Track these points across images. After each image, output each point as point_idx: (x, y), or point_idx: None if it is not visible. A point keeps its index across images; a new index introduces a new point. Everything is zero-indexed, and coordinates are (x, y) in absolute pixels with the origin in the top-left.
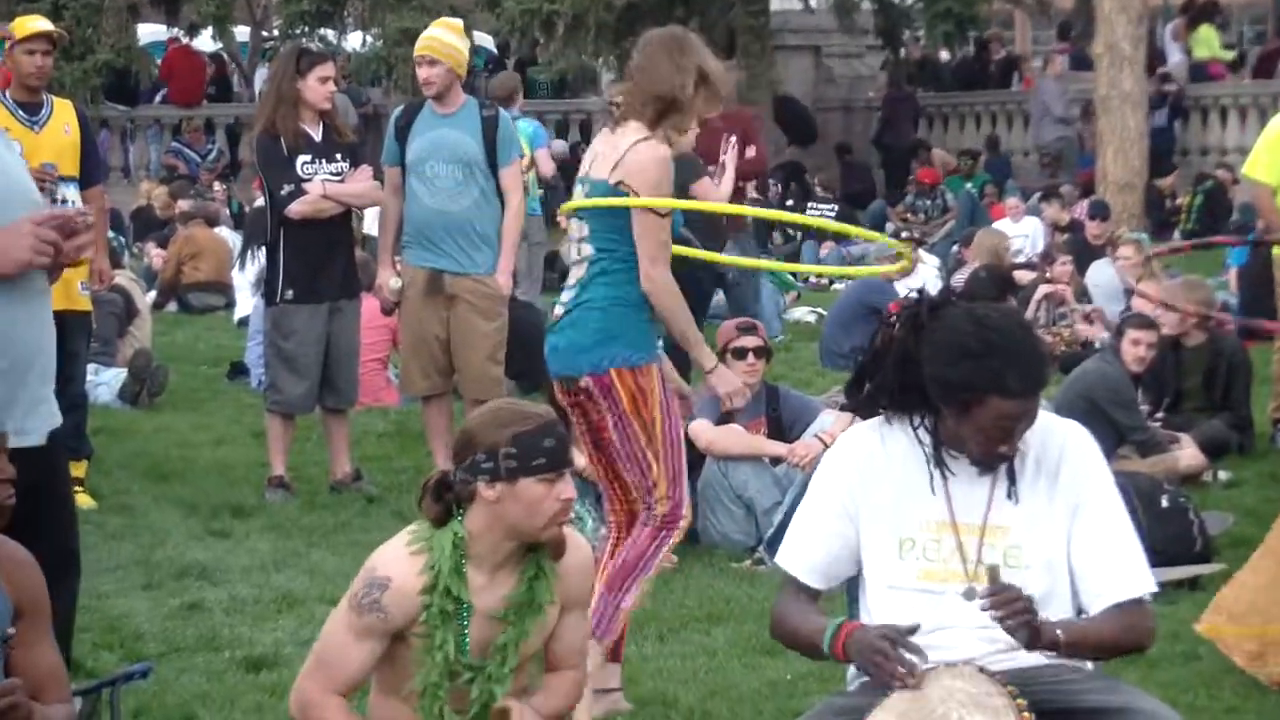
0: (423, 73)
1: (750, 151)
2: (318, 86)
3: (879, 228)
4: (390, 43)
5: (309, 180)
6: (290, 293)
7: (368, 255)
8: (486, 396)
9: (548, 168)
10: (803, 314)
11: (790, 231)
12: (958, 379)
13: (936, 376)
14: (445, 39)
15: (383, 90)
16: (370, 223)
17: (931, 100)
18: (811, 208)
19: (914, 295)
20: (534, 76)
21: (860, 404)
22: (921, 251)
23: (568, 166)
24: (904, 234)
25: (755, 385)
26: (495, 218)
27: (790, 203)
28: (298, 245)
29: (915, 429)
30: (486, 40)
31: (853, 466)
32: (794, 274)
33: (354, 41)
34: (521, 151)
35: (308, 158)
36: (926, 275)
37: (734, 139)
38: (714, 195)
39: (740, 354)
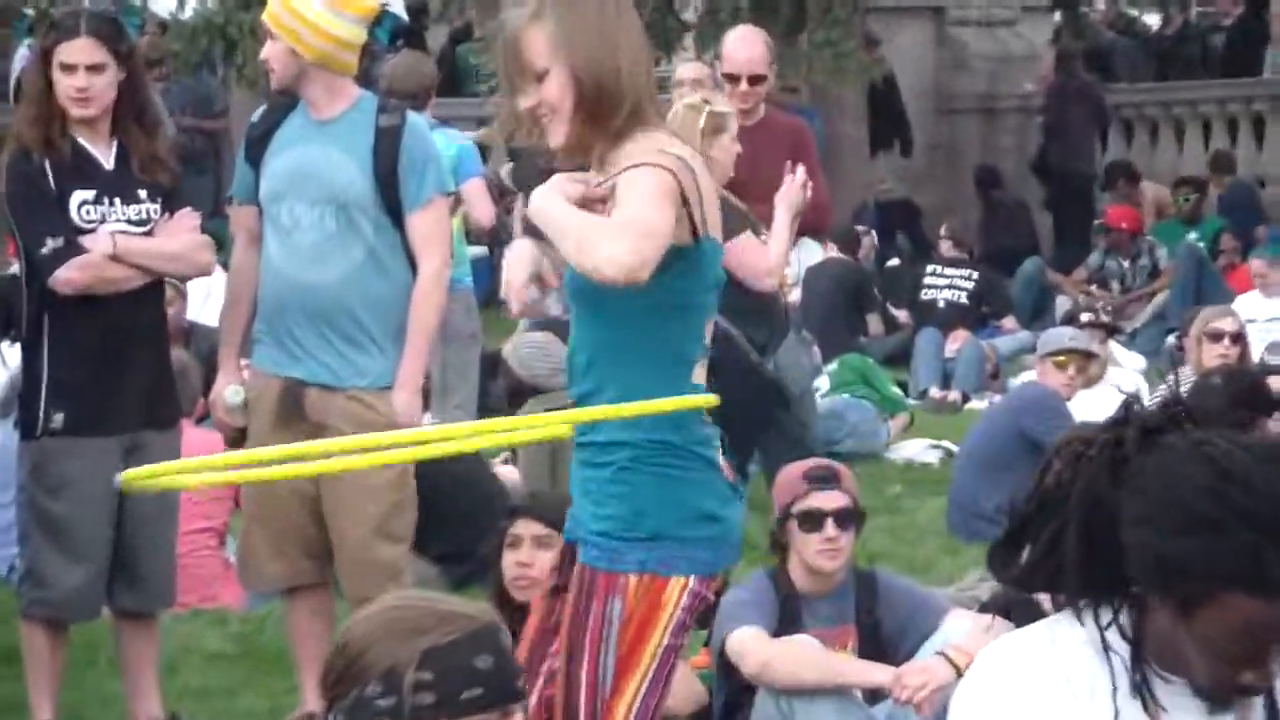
0: (263, 53)
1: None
2: (62, 82)
3: (1039, 308)
4: (232, 3)
5: (90, 231)
6: (59, 419)
7: (188, 357)
8: (375, 594)
9: (485, 211)
10: (918, 450)
11: (891, 314)
12: (1182, 559)
13: (1147, 550)
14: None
15: (219, 81)
16: (199, 303)
17: (1129, 97)
18: (932, 274)
19: (1113, 416)
20: (467, 59)
21: (1014, 583)
22: (1114, 345)
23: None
24: (1085, 316)
25: (837, 571)
26: (393, 296)
27: (892, 263)
28: (71, 339)
29: (1103, 630)
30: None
31: (1010, 709)
32: (903, 386)
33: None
34: (445, 185)
35: (88, 195)
36: (1123, 384)
37: (798, 169)
38: (758, 264)
39: (814, 521)
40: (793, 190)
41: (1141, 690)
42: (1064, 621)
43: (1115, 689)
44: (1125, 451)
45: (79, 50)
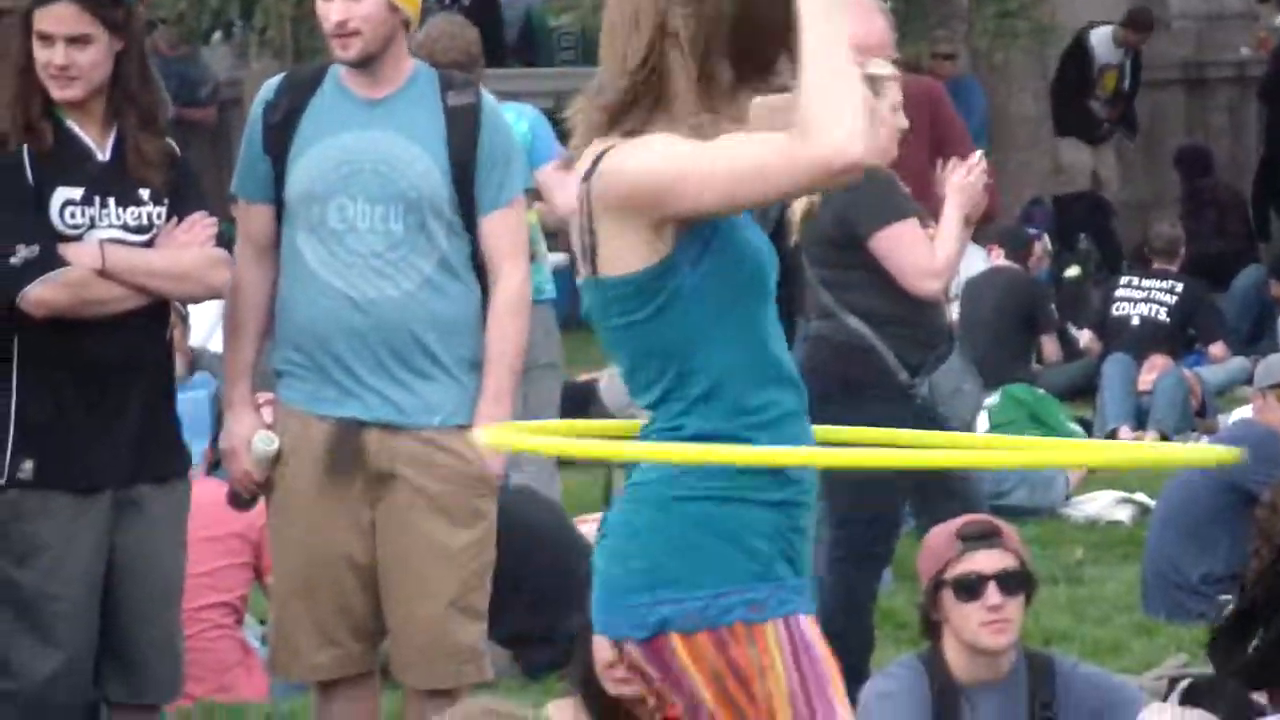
0: (330, 11)
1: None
2: (40, 55)
3: (1258, 329)
4: None
5: (75, 238)
6: (28, 467)
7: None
8: (450, 684)
9: (568, 198)
10: (1105, 505)
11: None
12: None
13: None
14: None
15: (234, 53)
16: (206, 327)
17: None
18: (1127, 286)
19: None
20: (544, 20)
21: (1241, 676)
22: None
23: None
24: None
25: (1005, 650)
26: (465, 315)
27: (1072, 274)
28: (45, 371)
29: None
30: None
31: None
32: (1085, 425)
33: None
34: (528, 180)
35: (74, 193)
36: None
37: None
38: (920, 262)
39: (972, 588)
40: (968, 176)
41: None
42: None
43: None
44: None
45: (58, 17)
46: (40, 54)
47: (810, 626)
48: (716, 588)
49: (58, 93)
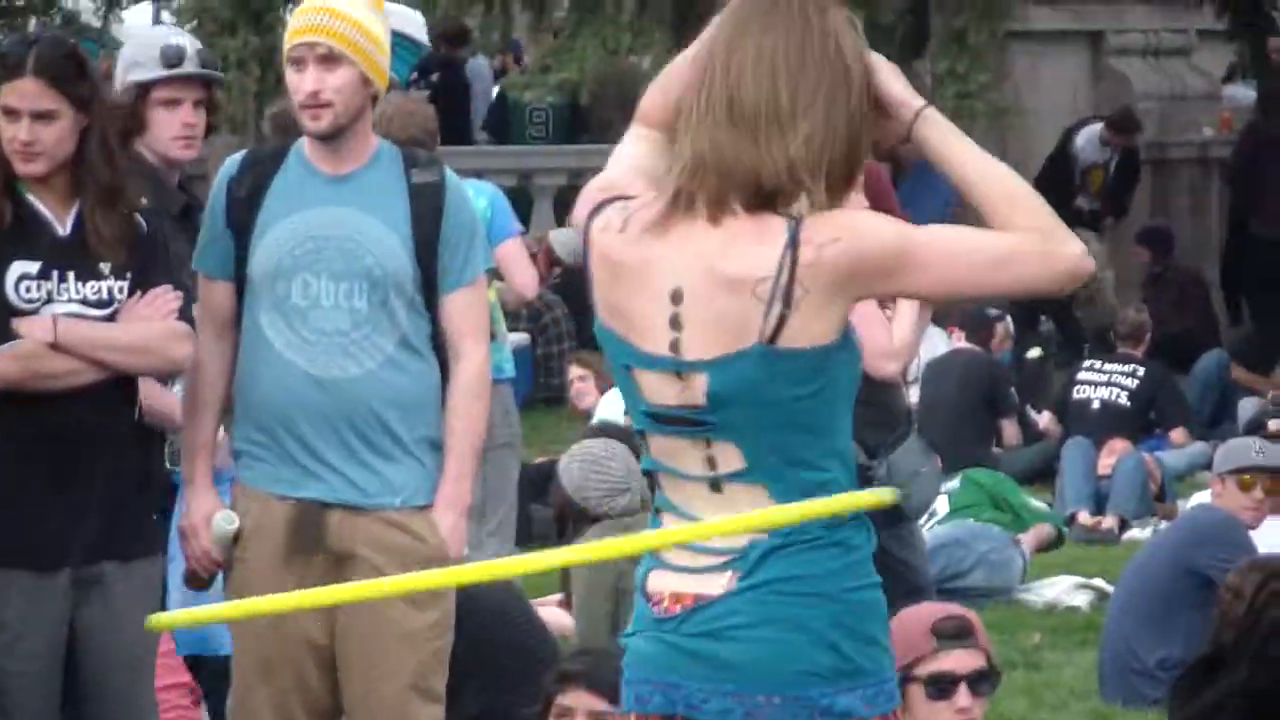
0: (303, 82)
1: None
2: (5, 130)
3: (1218, 414)
4: (211, 25)
5: (30, 312)
6: None
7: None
8: None
9: (527, 276)
10: (1064, 590)
11: (1031, 419)
12: None
13: None
14: (352, 11)
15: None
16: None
17: None
18: (1089, 369)
19: None
20: (511, 95)
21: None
22: None
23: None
24: (1275, 423)
25: None
26: (424, 394)
27: (1033, 355)
28: (3, 444)
29: None
30: (407, 19)
31: None
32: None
33: (134, 21)
34: (488, 260)
35: (31, 268)
36: None
37: None
38: (879, 342)
39: (944, 688)
40: None
41: None
42: None
43: None
44: None
45: (23, 93)
46: (4, 129)
47: None
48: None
49: (21, 168)
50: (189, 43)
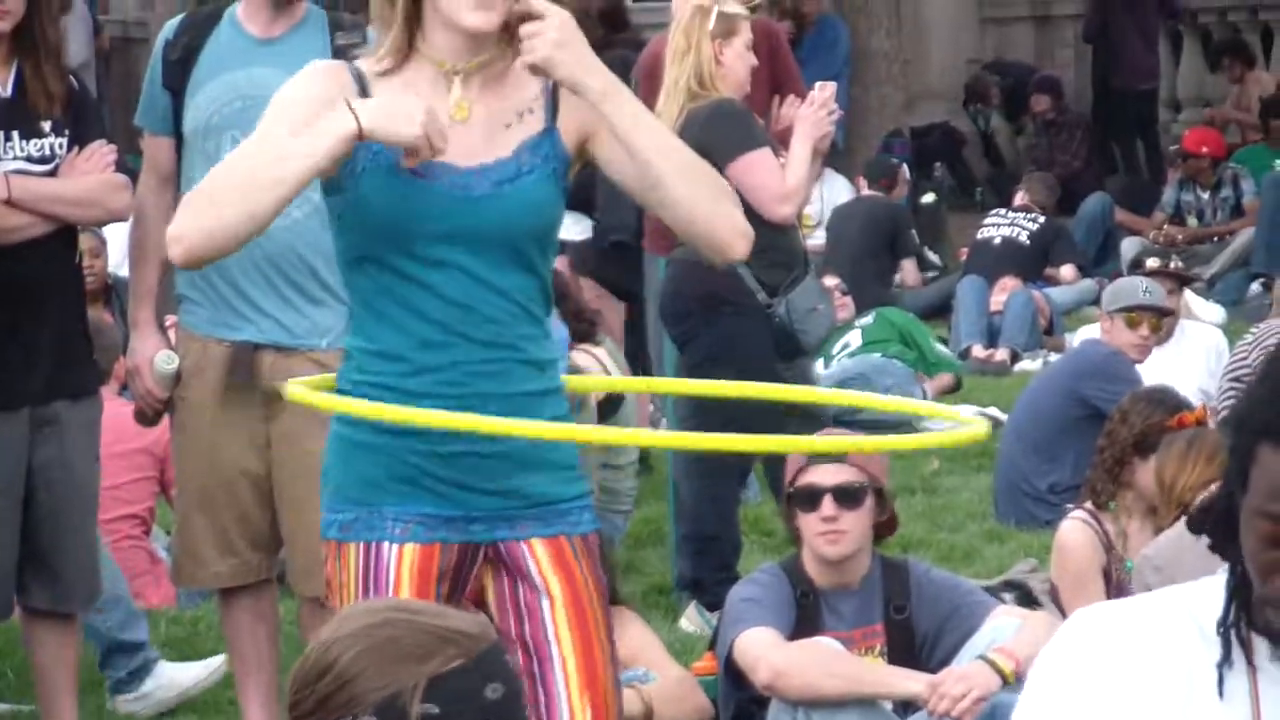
0: None
1: (786, 108)
2: None
3: (1103, 252)
4: None
5: None
6: None
7: (103, 316)
8: None
9: None
10: (951, 425)
11: (932, 259)
12: (1237, 413)
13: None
14: None
15: None
16: (120, 253)
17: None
18: (995, 215)
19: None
20: None
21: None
22: (1190, 294)
23: None
24: (1151, 261)
25: (840, 559)
26: None
27: (928, 200)
28: None
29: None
30: None
31: (1088, 681)
32: (943, 340)
33: None
34: None
35: None
36: (1199, 347)
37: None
38: (771, 187)
39: (810, 499)
40: (814, 108)
41: (1240, 643)
42: (1165, 595)
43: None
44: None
45: None
46: None
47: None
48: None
49: None
50: None
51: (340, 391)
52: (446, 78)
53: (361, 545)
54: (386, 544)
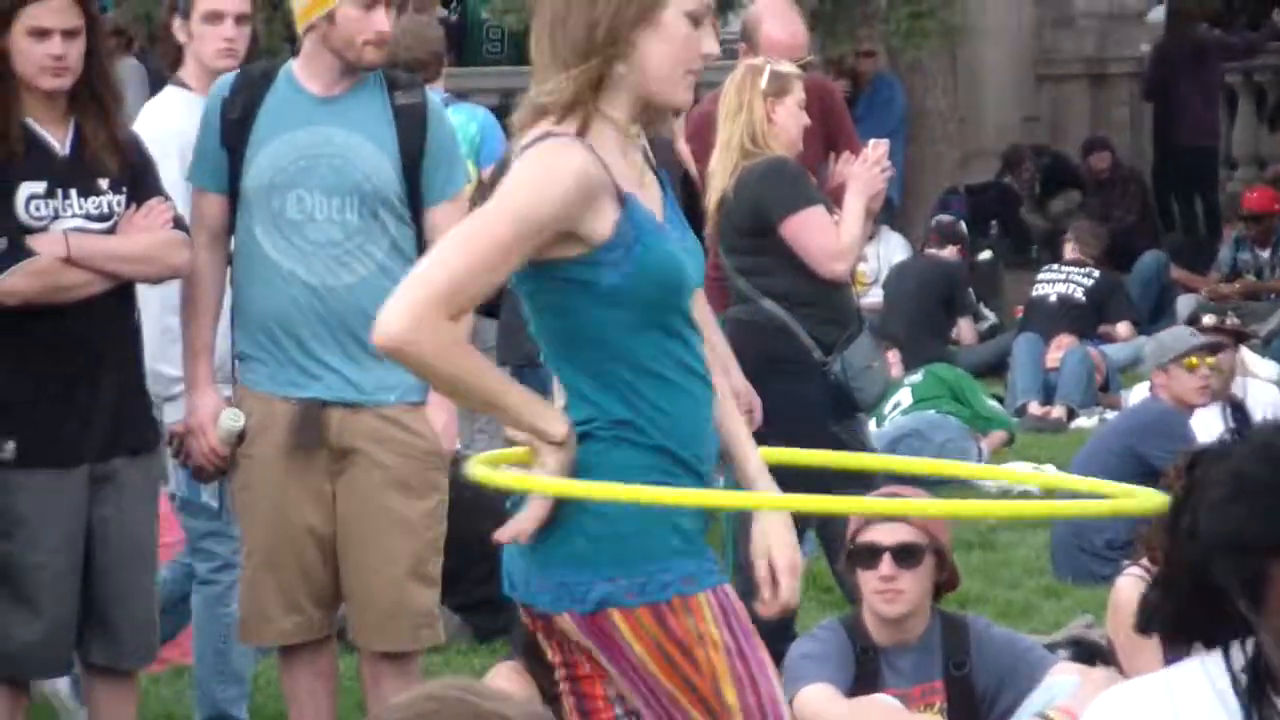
0: (376, 22)
1: (841, 165)
2: (34, 51)
3: (1158, 311)
4: None
5: (41, 229)
6: (10, 448)
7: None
8: (408, 646)
9: None
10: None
11: (988, 316)
12: (1237, 529)
13: (1212, 535)
14: None
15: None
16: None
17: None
18: (1049, 270)
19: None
20: (478, 13)
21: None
22: (1246, 351)
23: None
24: (1207, 319)
25: (900, 618)
26: None
27: (984, 258)
28: (22, 355)
29: (1233, 670)
30: None
31: None
32: (998, 401)
33: None
34: (467, 175)
35: (38, 188)
36: (1256, 403)
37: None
38: (826, 244)
39: (868, 558)
40: (867, 166)
41: (1259, 709)
42: (1185, 668)
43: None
44: (1198, 470)
45: (56, 11)
46: (30, 50)
47: (732, 593)
48: (652, 566)
49: (51, 83)
50: None
51: (616, 465)
52: (630, 141)
53: (709, 592)
54: (726, 584)
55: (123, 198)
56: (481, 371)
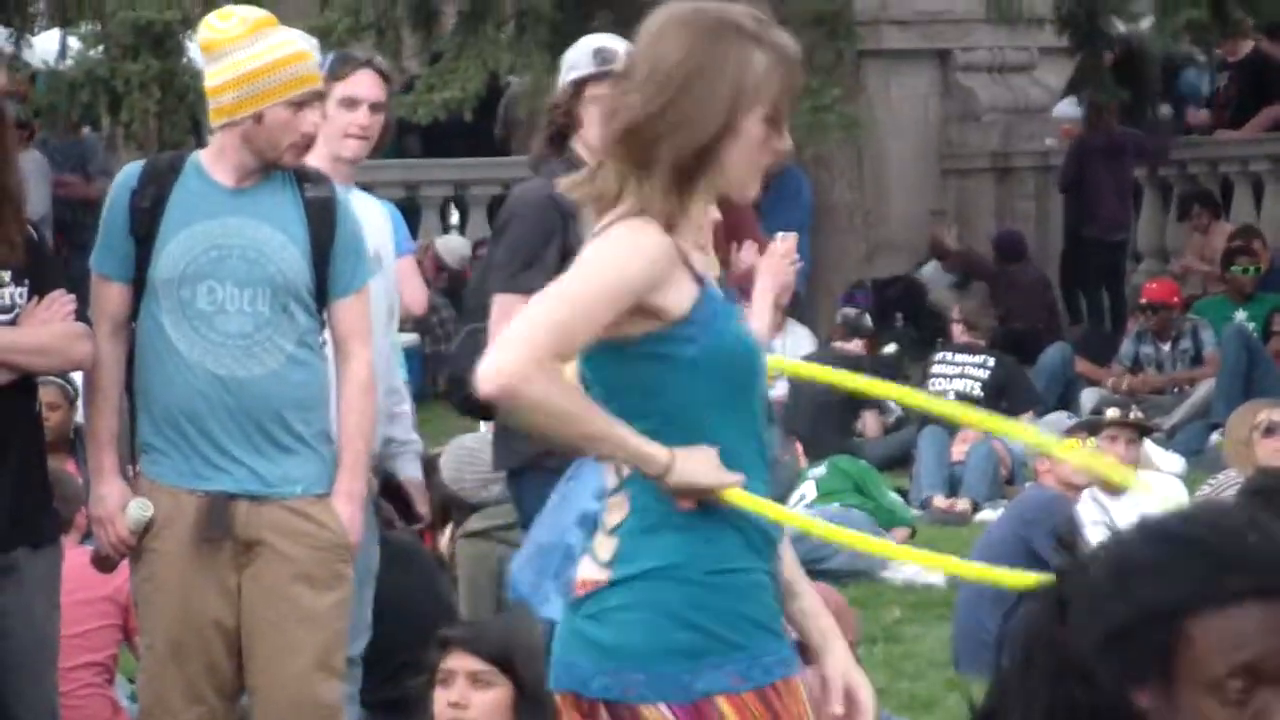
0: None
1: (744, 253)
2: None
3: (1064, 403)
4: (115, 50)
5: None
6: None
7: (65, 466)
8: None
9: (418, 292)
10: (920, 569)
11: (889, 410)
12: (1136, 607)
13: (1090, 641)
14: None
15: (102, 141)
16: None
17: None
18: (941, 363)
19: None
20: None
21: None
22: (1149, 445)
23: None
24: (1111, 412)
25: None
26: (317, 392)
27: (890, 350)
28: None
29: None
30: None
31: None
32: (903, 494)
33: (44, 46)
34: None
35: None
36: (1157, 494)
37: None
38: None
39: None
40: (775, 259)
41: None
42: None
43: None
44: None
45: None
46: None
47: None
48: (755, 648)
49: None
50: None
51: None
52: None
53: (766, 689)
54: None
55: (25, 290)
56: (590, 406)
